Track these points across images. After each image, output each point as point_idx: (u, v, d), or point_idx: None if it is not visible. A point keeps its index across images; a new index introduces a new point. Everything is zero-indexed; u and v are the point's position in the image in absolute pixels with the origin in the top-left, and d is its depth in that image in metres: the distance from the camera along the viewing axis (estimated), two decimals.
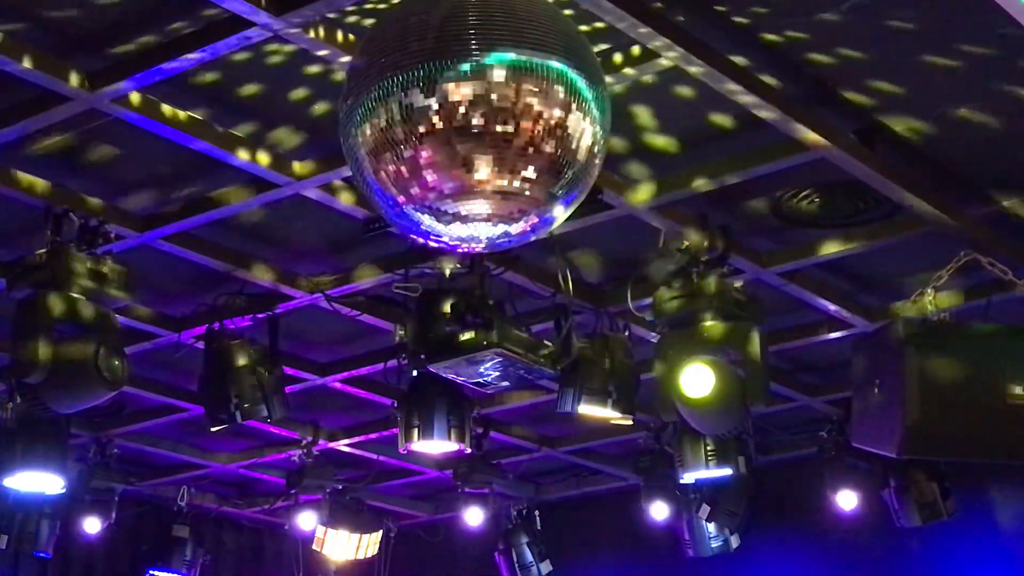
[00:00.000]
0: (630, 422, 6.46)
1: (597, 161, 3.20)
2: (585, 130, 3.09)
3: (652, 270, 6.05)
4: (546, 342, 5.67)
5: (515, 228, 3.19)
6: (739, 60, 4.73)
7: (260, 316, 6.43)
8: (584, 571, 9.37)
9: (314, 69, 4.78)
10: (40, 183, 5.49)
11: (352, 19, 4.46)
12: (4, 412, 6.05)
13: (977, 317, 5.61)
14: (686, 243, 5.75)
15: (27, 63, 4.59)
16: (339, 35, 4.50)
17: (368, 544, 9.32)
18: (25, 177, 5.46)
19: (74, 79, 4.72)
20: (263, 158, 5.32)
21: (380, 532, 9.50)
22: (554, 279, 6.05)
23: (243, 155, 5.25)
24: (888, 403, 4.96)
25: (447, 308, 5.51)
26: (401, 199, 3.14)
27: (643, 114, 5.14)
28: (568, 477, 9.48)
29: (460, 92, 2.98)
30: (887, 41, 4.67)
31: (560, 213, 3.22)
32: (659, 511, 8.03)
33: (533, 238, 3.29)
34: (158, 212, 5.79)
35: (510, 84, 2.99)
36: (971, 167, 5.54)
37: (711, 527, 7.71)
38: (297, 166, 5.40)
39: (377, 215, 5.47)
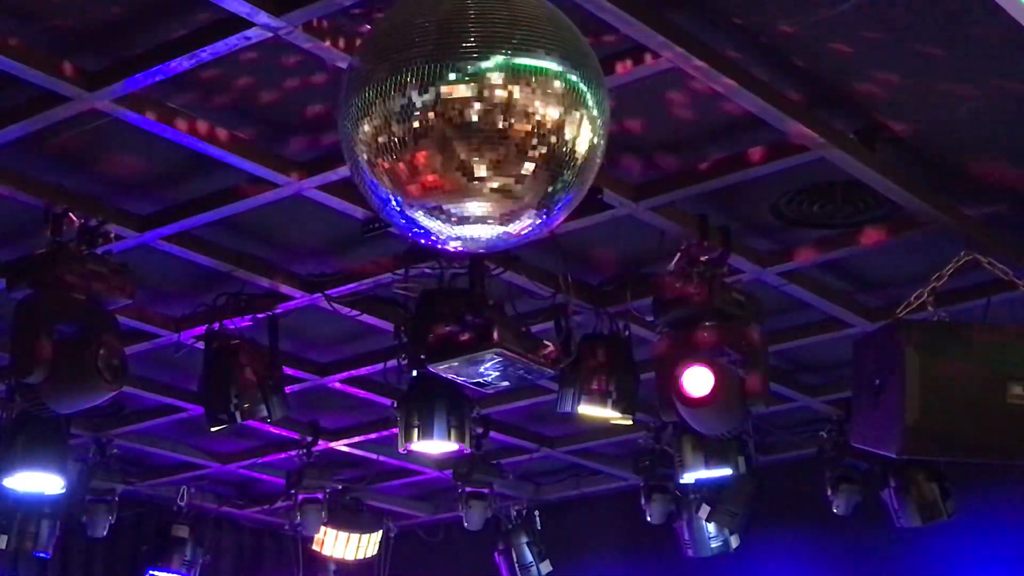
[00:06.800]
0: (630, 422, 6.45)
1: (596, 161, 3.20)
2: (584, 130, 3.10)
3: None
4: (546, 342, 5.67)
5: (514, 228, 3.19)
6: (739, 60, 4.73)
7: (260, 316, 6.43)
8: (584, 571, 9.36)
9: (314, 69, 4.78)
10: (40, 183, 5.49)
11: (352, 19, 4.46)
12: (4, 412, 6.06)
13: (977, 317, 5.61)
14: (686, 243, 5.76)
15: (27, 63, 4.59)
16: (339, 35, 4.50)
17: (368, 544, 9.32)
18: (25, 177, 5.46)
19: (74, 79, 4.72)
20: (263, 158, 5.32)
21: (380, 532, 9.51)
22: (554, 279, 6.06)
23: (243, 155, 5.25)
24: (888, 403, 4.96)
25: (447, 308, 5.51)
26: (400, 199, 3.15)
27: (643, 114, 5.14)
28: (568, 477, 9.47)
29: (459, 93, 2.99)
30: (888, 40, 4.67)
31: (559, 213, 3.23)
32: (659, 511, 8.02)
33: (532, 238, 3.30)
34: (158, 212, 5.79)
35: (508, 85, 2.99)
36: (971, 167, 5.54)
37: (711, 527, 7.71)
38: (297, 166, 5.40)
39: (376, 215, 5.47)
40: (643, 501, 8.00)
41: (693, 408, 5.75)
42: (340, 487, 8.64)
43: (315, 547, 9.15)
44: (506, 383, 5.72)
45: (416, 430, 6.19)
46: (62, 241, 5.36)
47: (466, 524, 8.34)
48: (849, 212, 5.89)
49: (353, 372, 7.39)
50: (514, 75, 3.00)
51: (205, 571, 8.71)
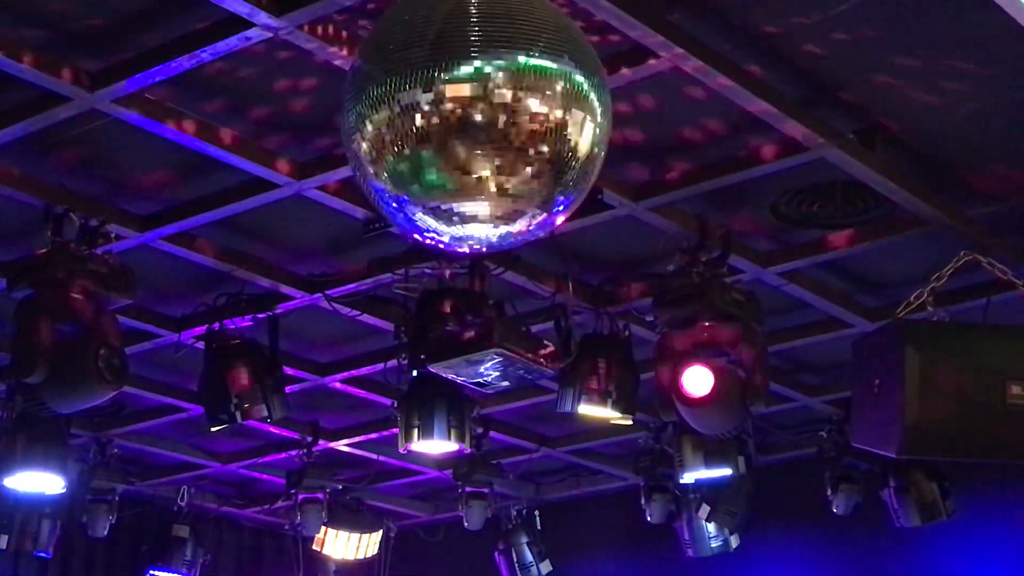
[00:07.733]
0: (630, 422, 6.46)
1: (598, 161, 3.20)
2: (586, 130, 3.10)
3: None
4: (546, 342, 5.67)
5: (516, 228, 3.20)
6: (738, 60, 4.73)
7: (260, 316, 6.43)
8: (584, 571, 9.36)
9: (315, 69, 4.78)
10: (40, 183, 5.49)
11: (352, 19, 4.47)
12: (4, 412, 6.06)
13: (977, 317, 5.61)
14: (686, 243, 5.76)
15: (27, 63, 4.59)
16: (340, 35, 4.50)
17: (368, 544, 9.32)
18: (25, 177, 5.46)
19: (74, 79, 4.72)
20: (263, 158, 5.32)
21: (380, 532, 9.51)
22: (554, 279, 6.07)
23: (243, 155, 5.25)
24: (888, 403, 4.96)
25: (447, 308, 5.51)
26: (402, 199, 3.15)
27: (642, 114, 5.14)
28: (568, 477, 9.48)
29: (461, 92, 2.99)
30: (887, 40, 4.67)
31: (560, 214, 3.23)
32: (659, 511, 8.02)
33: (533, 238, 3.30)
34: (158, 212, 5.79)
35: (511, 85, 2.99)
36: (970, 167, 5.54)
37: (711, 527, 7.71)
38: (297, 166, 5.40)
39: (377, 215, 5.47)
40: (643, 501, 8.00)
41: (693, 408, 5.75)
42: (340, 487, 8.64)
43: (315, 547, 9.14)
44: (506, 383, 5.72)
45: (416, 430, 6.19)
46: (62, 241, 5.36)
47: (466, 524, 8.34)
48: (849, 212, 5.89)
49: (353, 372, 7.39)
50: (517, 75, 3.00)
51: (205, 571, 8.71)
